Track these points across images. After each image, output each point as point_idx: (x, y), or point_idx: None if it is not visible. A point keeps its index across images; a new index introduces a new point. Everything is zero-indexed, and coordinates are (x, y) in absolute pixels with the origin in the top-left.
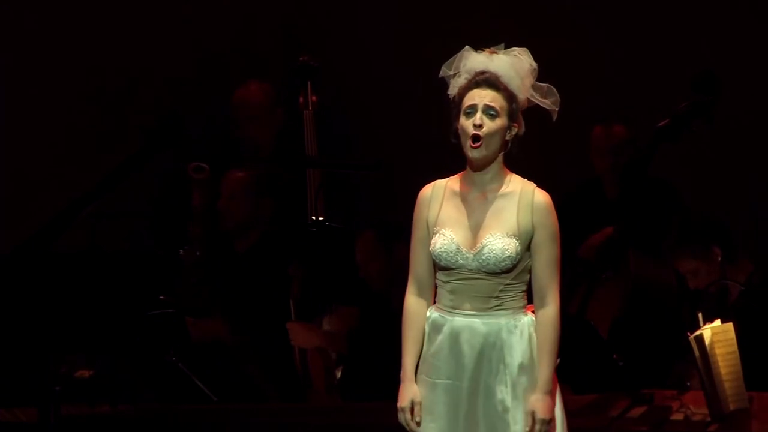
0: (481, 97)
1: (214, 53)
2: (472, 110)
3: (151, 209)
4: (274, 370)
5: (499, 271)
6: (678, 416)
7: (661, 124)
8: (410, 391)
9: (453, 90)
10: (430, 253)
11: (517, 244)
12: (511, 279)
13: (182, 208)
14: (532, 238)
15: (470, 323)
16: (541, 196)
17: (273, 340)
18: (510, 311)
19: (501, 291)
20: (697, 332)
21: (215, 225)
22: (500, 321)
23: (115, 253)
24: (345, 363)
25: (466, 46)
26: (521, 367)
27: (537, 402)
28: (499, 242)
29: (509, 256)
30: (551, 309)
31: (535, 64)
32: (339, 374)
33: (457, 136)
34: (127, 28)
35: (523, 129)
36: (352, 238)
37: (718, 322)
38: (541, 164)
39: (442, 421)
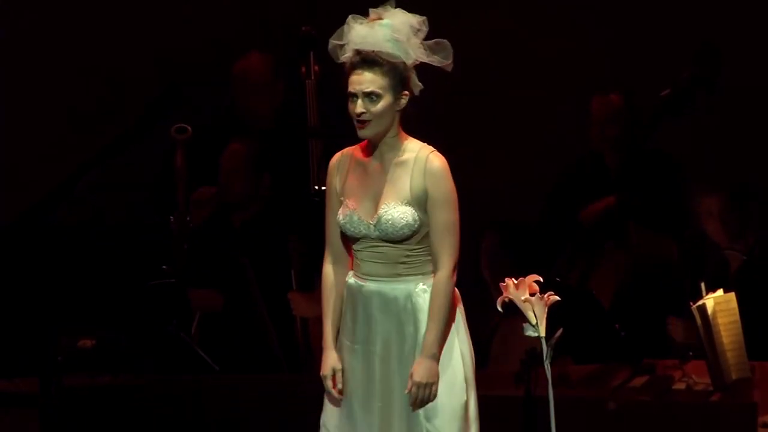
0: (360, 83)
1: (217, 42)
2: (353, 97)
3: (151, 180)
4: (276, 340)
5: (398, 239)
6: (680, 386)
7: (663, 93)
8: (331, 359)
9: (341, 58)
10: None
11: (414, 211)
12: (415, 244)
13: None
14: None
15: (380, 289)
16: (436, 161)
17: (274, 310)
18: (419, 276)
19: (407, 257)
20: (700, 302)
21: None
22: (409, 287)
23: (117, 223)
24: None
25: (351, 15)
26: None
27: (418, 365)
28: (394, 211)
29: (407, 224)
30: (441, 273)
31: (417, 22)
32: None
33: None
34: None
35: (417, 89)
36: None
37: (720, 292)
38: (543, 154)
39: (360, 384)
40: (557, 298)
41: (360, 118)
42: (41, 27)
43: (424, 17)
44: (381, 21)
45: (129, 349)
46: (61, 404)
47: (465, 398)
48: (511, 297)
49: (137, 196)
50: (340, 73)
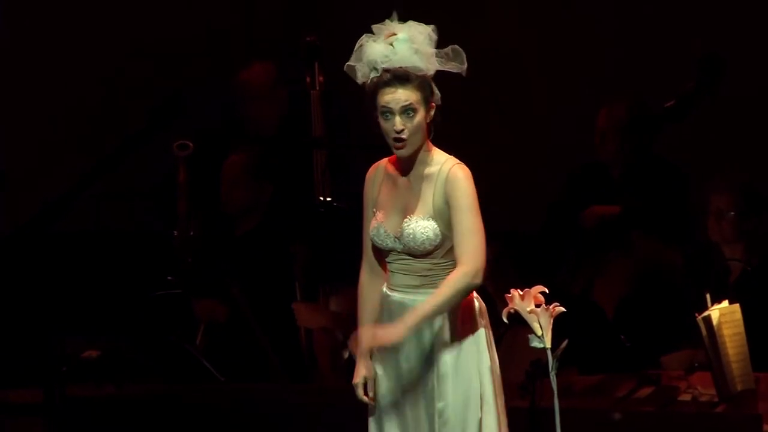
0: (395, 100)
1: (217, 32)
2: (389, 114)
3: (156, 189)
4: (279, 350)
5: (421, 253)
6: (685, 397)
7: (667, 105)
8: (364, 368)
9: (362, 78)
10: None
11: (436, 225)
12: (440, 258)
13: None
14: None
15: (403, 300)
16: (457, 171)
17: (278, 320)
18: None
19: (430, 270)
20: (705, 313)
21: (213, 206)
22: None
23: (121, 233)
24: None
25: (365, 34)
26: (447, 344)
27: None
28: (416, 225)
29: (427, 239)
30: (461, 268)
31: (430, 32)
32: (346, 355)
33: (378, 126)
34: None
35: (438, 99)
36: (359, 217)
37: (725, 303)
38: (548, 149)
39: (389, 394)
40: (562, 309)
41: (400, 135)
42: (44, 35)
43: (433, 26)
44: (397, 36)
45: (134, 359)
46: (65, 414)
47: (479, 415)
48: (516, 308)
49: (141, 205)
50: (346, 84)
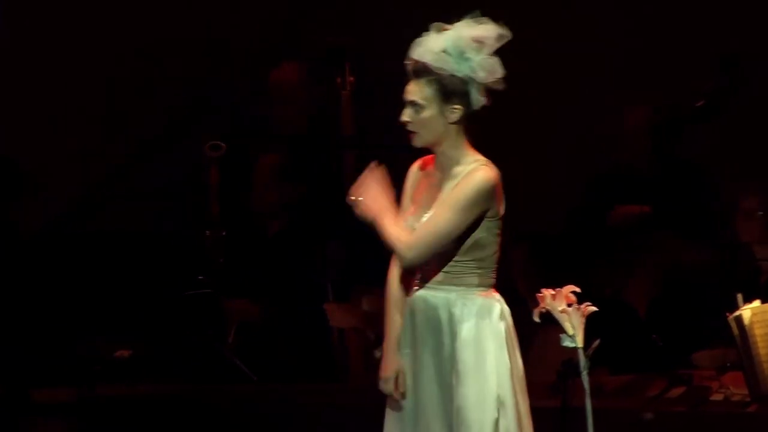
0: (406, 91)
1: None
2: (405, 103)
3: (181, 190)
4: (312, 350)
5: (439, 249)
6: (717, 397)
7: (697, 104)
8: (395, 362)
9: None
10: None
11: None
12: (460, 255)
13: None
14: None
15: (425, 295)
16: (477, 170)
17: (310, 320)
18: (462, 287)
19: (450, 266)
20: (737, 313)
21: (243, 206)
22: (450, 296)
23: (152, 233)
24: None
25: (434, 23)
26: (465, 343)
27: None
28: None
29: None
30: (408, 237)
31: (482, 38)
32: (378, 354)
33: None
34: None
35: (477, 104)
36: None
37: (757, 303)
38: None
39: (408, 390)
40: (594, 308)
41: (406, 127)
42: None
43: (500, 33)
44: (445, 32)
45: (165, 358)
46: (97, 414)
47: (495, 416)
48: (548, 307)
49: (163, 206)
50: (377, 84)
